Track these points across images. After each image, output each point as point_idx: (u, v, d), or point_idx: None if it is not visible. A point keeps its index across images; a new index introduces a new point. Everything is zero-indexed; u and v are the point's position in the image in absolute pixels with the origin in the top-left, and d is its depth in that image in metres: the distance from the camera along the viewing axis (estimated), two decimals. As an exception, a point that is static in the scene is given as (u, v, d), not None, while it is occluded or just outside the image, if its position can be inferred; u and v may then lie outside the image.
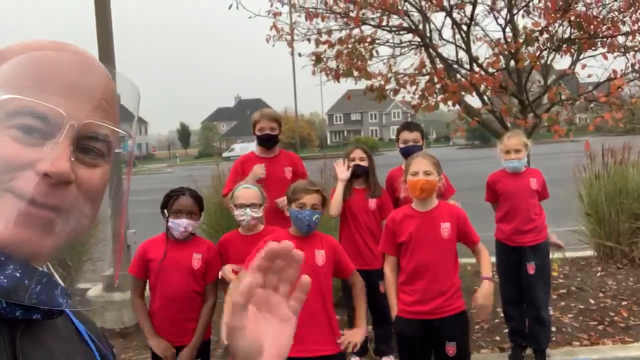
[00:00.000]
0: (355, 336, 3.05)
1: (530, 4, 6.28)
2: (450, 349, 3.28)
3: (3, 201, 0.66)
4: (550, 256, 4.50)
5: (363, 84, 6.73)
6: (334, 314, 3.16)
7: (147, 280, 3.36)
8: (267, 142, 4.25)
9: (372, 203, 4.27)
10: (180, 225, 3.19)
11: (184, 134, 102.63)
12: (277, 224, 3.63)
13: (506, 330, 4.60)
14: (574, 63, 6.26)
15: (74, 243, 0.76)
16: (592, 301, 5.47)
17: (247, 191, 3.38)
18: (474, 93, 6.04)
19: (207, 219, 6.84)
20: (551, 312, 5.10)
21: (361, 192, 4.25)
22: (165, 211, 3.26)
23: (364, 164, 4.29)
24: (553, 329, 4.78)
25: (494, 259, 5.61)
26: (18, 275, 0.65)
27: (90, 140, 0.72)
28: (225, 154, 53.90)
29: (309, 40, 6.68)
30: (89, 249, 6.61)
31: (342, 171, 4.22)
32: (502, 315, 4.73)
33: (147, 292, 3.45)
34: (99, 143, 0.73)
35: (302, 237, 3.13)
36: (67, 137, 0.68)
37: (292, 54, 7.08)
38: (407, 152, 4.16)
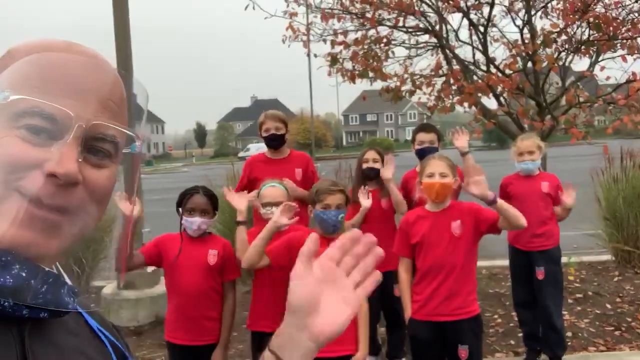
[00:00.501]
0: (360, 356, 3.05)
1: (549, 5, 6.23)
2: (463, 352, 3.25)
3: (10, 201, 0.66)
4: (567, 260, 4.45)
5: (379, 85, 6.73)
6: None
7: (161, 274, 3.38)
8: (273, 142, 4.25)
9: (384, 203, 4.25)
10: (194, 223, 3.22)
11: (200, 133, 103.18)
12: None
13: (521, 334, 4.56)
14: (592, 65, 6.19)
15: (80, 243, 0.76)
16: (609, 306, 5.40)
17: (273, 190, 3.38)
18: (491, 95, 6.00)
19: (222, 219, 6.87)
20: (567, 317, 5.05)
21: (373, 194, 4.24)
22: (180, 209, 3.28)
23: (378, 165, 4.27)
24: (569, 334, 4.73)
25: (502, 262, 5.59)
26: (24, 275, 0.65)
27: (98, 141, 0.72)
28: (240, 154, 54.11)
29: (324, 41, 6.68)
30: (104, 247, 6.67)
31: (365, 201, 4.11)
32: (516, 319, 4.69)
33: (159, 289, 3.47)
34: (107, 144, 0.73)
35: (329, 239, 3.12)
36: (75, 137, 0.68)
37: (308, 54, 7.08)
38: (423, 154, 4.14)
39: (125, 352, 0.88)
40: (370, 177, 4.31)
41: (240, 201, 3.40)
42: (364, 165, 4.30)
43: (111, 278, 6.61)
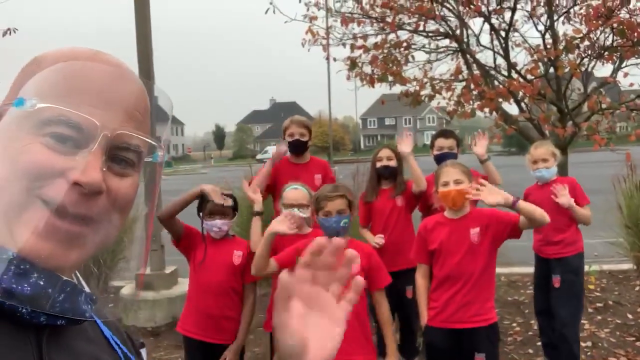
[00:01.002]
0: None
1: (571, 10, 6.15)
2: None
3: (32, 209, 0.67)
4: (588, 268, 4.39)
5: (398, 88, 6.70)
6: (367, 323, 3.12)
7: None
8: (296, 148, 4.26)
9: (400, 200, 4.22)
10: (214, 225, 3.27)
11: (218, 135, 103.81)
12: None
13: (539, 344, 4.50)
14: (615, 71, 6.11)
15: (101, 251, 0.76)
16: (630, 316, 5.31)
17: (295, 192, 3.39)
18: (512, 100, 5.95)
19: (240, 221, 6.89)
20: (587, 326, 4.98)
21: (387, 192, 4.22)
22: (201, 214, 3.32)
23: (392, 163, 4.23)
24: (589, 343, 4.67)
25: (521, 270, 5.53)
26: (42, 283, 0.66)
27: (122, 150, 0.72)
28: (258, 156, 54.25)
29: (344, 45, 6.68)
30: (123, 248, 6.73)
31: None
32: (535, 328, 4.63)
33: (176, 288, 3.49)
34: (131, 153, 0.74)
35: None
36: (99, 146, 0.69)
37: (328, 58, 7.09)
38: (442, 159, 4.10)
39: (134, 358, 0.88)
40: (385, 175, 4.28)
41: (256, 193, 3.52)
42: (378, 164, 4.27)
43: (129, 278, 6.67)
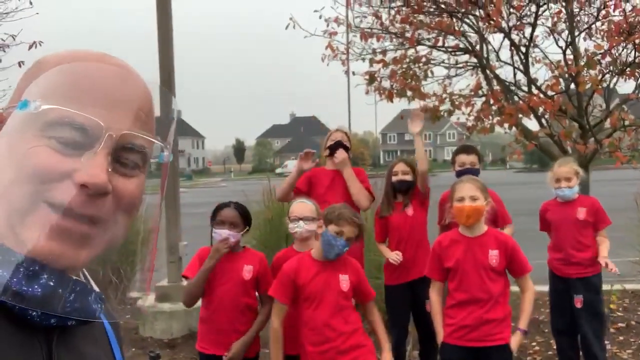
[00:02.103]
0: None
1: (593, 26, 6.10)
2: (496, 379, 3.18)
3: (40, 211, 0.67)
4: (610, 288, 4.31)
5: (417, 103, 6.69)
6: (363, 334, 3.15)
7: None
8: (340, 146, 4.17)
9: (409, 210, 4.18)
10: (221, 234, 3.24)
11: (239, 149, 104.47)
12: None
13: (558, 361, 4.41)
14: (638, 87, 6.03)
15: (111, 252, 0.76)
16: (653, 337, 5.19)
17: (302, 205, 3.41)
18: (532, 116, 5.90)
19: (257, 235, 6.90)
20: (609, 347, 4.87)
21: (398, 206, 4.20)
22: (212, 224, 3.35)
23: (408, 177, 4.19)
24: (610, 364, 4.57)
25: (541, 288, 5.44)
26: (52, 284, 0.66)
27: (127, 151, 0.72)
28: (278, 170, 54.45)
29: (363, 59, 6.70)
30: (141, 259, 6.77)
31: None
32: (555, 347, 4.54)
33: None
34: (136, 154, 0.74)
35: (326, 262, 3.13)
36: (105, 147, 0.69)
37: (347, 72, 7.11)
38: (463, 175, 4.09)
39: None
40: (401, 190, 4.24)
41: None
42: (394, 178, 4.23)
43: (138, 290, 6.70)
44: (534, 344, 5.14)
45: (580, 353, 4.21)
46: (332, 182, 4.15)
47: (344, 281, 3.09)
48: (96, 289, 0.74)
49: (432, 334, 4.23)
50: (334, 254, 3.08)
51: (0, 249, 0.66)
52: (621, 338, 5.20)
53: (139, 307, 6.03)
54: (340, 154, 4.15)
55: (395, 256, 4.10)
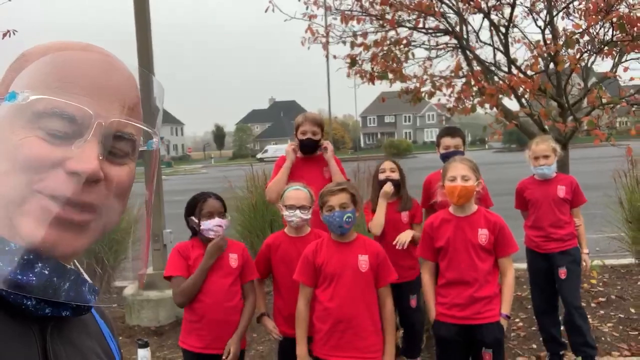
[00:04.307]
0: None
1: (571, 5, 6.15)
2: (487, 355, 3.25)
3: (34, 201, 0.67)
4: (590, 263, 4.40)
5: (398, 86, 6.71)
6: (379, 321, 3.13)
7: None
8: (308, 148, 4.09)
9: (405, 216, 4.14)
10: (214, 223, 3.17)
11: (218, 135, 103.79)
12: (318, 227, 3.58)
13: (541, 339, 4.51)
14: (615, 66, 6.11)
15: (102, 239, 0.77)
16: (632, 310, 5.32)
17: (297, 192, 3.36)
18: (512, 96, 5.95)
19: (241, 220, 6.91)
20: (590, 321, 4.98)
21: (392, 205, 4.14)
22: (193, 217, 3.22)
23: (395, 175, 4.15)
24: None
25: (523, 265, 5.52)
26: (47, 273, 0.66)
27: (116, 139, 0.73)
28: (258, 155, 54.33)
29: (344, 42, 6.68)
30: (126, 248, 6.74)
31: (388, 185, 4.05)
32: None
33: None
34: (125, 141, 0.74)
35: (343, 242, 3.12)
36: (95, 135, 0.69)
37: (327, 56, 7.09)
38: (449, 158, 4.11)
39: (117, 355, 0.89)
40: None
41: None
42: (381, 176, 4.19)
43: (132, 279, 6.68)
44: (517, 319, 5.25)
45: (562, 328, 4.29)
46: (303, 170, 4.08)
47: (363, 262, 3.07)
48: (89, 280, 0.74)
49: (416, 332, 4.30)
50: (338, 228, 3.07)
51: None
52: (602, 312, 5.32)
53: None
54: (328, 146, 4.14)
55: (388, 187, 4.06)
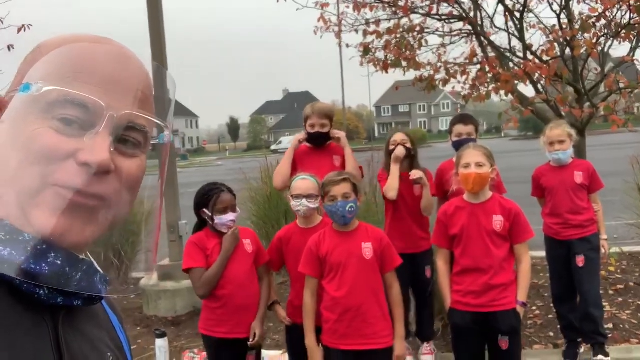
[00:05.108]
0: (397, 350, 3.11)
1: (587, -12, 6.05)
2: (503, 342, 3.23)
3: (46, 192, 0.68)
4: (609, 251, 4.34)
5: (411, 75, 6.66)
6: (386, 306, 3.14)
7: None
8: (317, 140, 4.09)
9: (417, 189, 4.14)
10: (228, 219, 3.25)
11: (233, 127, 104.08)
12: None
13: (560, 326, 4.47)
14: (633, 50, 6.00)
15: (114, 231, 0.77)
16: (651, 297, 5.26)
17: (304, 182, 3.37)
18: (528, 82, 5.88)
19: (256, 211, 6.93)
20: (608, 308, 4.94)
21: (406, 177, 4.16)
22: (206, 211, 3.26)
23: (407, 145, 4.18)
24: (610, 325, 4.63)
25: (540, 254, 5.48)
26: (59, 263, 0.67)
27: (128, 131, 0.73)
28: (273, 147, 54.38)
29: (356, 31, 6.64)
30: (142, 240, 6.80)
31: (399, 149, 4.09)
32: (555, 310, 4.60)
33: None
34: (137, 133, 0.75)
35: (346, 232, 3.13)
36: (106, 127, 0.70)
37: (340, 45, 7.06)
38: (461, 146, 4.08)
39: (127, 347, 0.90)
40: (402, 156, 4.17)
41: None
42: (392, 147, 4.19)
43: (143, 270, 6.75)
44: (534, 308, 5.21)
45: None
46: (313, 160, 4.07)
47: (367, 249, 3.07)
48: (101, 270, 0.75)
49: (428, 302, 4.31)
50: (341, 218, 3.07)
51: (8, 229, 0.67)
52: (620, 299, 5.27)
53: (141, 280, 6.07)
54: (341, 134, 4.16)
55: (399, 151, 4.10)
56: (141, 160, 0.76)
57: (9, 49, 5.91)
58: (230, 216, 3.25)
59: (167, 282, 5.87)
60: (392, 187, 4.07)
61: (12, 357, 0.63)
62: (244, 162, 18.20)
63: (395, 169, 4.07)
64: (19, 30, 6.18)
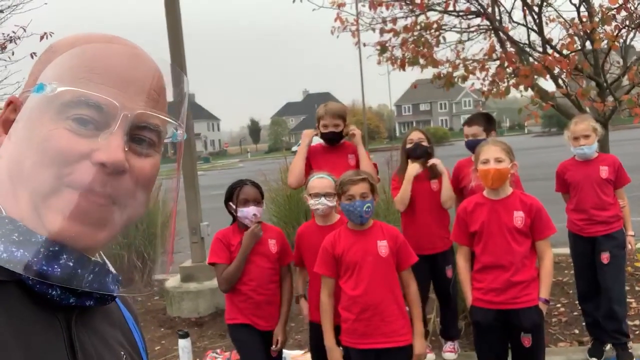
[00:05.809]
0: (417, 349, 3.09)
1: (607, -20, 5.94)
2: (526, 339, 3.19)
3: (61, 193, 0.68)
4: (635, 246, 4.26)
5: (430, 72, 6.62)
6: (404, 304, 3.13)
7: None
8: (330, 140, 4.11)
9: (434, 184, 4.14)
10: (250, 212, 3.30)
11: (254, 129, 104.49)
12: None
13: (585, 324, 4.41)
14: (656, 41, 5.89)
15: (129, 230, 0.78)
16: (679, 293, 5.15)
17: (321, 181, 3.39)
18: (548, 76, 5.80)
19: (276, 211, 6.96)
20: (634, 305, 4.85)
21: (422, 175, 4.15)
22: (231, 203, 3.37)
23: (424, 143, 4.18)
24: (637, 322, 4.55)
25: (564, 250, 5.40)
26: (71, 264, 0.68)
27: (142, 130, 0.74)
28: (294, 148, 54.36)
29: (373, 29, 6.62)
30: (165, 241, 6.86)
31: (413, 166, 4.10)
32: (580, 308, 4.54)
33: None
34: (151, 133, 0.75)
35: (361, 230, 3.13)
36: (120, 127, 0.70)
37: (358, 44, 7.05)
38: (469, 147, 4.11)
39: (142, 347, 0.91)
40: (417, 154, 4.17)
41: None
42: (409, 145, 4.20)
43: (172, 272, 6.81)
44: (558, 305, 5.14)
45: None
46: (328, 159, 4.08)
47: (383, 247, 3.07)
48: (113, 271, 0.75)
49: (451, 300, 4.28)
50: (359, 218, 3.07)
51: (21, 230, 0.67)
52: (647, 295, 5.17)
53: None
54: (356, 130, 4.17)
55: (413, 170, 4.11)
56: (155, 159, 0.76)
57: (32, 57, 6.03)
58: (252, 209, 3.30)
59: (189, 284, 5.93)
60: (402, 202, 4.12)
61: (27, 358, 0.63)
62: (265, 163, 18.27)
63: (408, 183, 4.07)
64: (41, 38, 6.30)
